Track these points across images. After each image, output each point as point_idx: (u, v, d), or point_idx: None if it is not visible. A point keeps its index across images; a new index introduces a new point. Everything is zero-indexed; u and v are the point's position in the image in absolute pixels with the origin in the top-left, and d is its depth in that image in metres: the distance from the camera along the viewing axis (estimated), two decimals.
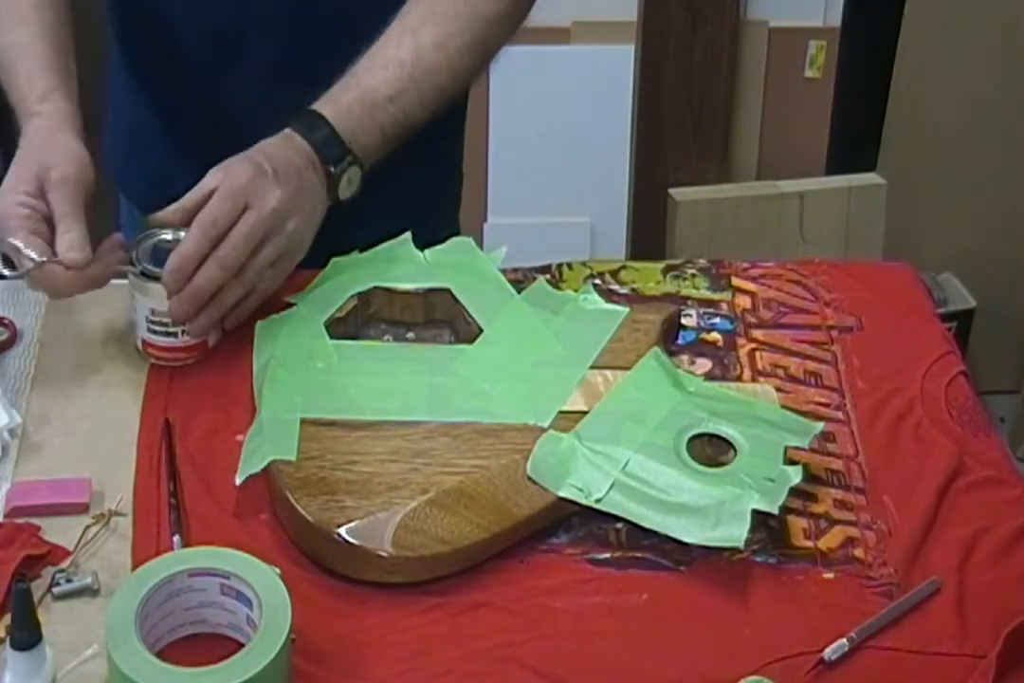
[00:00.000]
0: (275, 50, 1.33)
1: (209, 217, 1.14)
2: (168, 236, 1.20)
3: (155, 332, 1.20)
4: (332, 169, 1.22)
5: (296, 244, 1.19)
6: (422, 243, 1.30)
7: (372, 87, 1.23)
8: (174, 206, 1.18)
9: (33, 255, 1.14)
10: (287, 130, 1.22)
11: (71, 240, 1.15)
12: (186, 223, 1.16)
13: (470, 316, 1.23)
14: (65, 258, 1.14)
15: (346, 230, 1.25)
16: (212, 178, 1.17)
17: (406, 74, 1.24)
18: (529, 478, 1.09)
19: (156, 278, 1.17)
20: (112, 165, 1.51)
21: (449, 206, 1.59)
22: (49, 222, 1.17)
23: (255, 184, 1.16)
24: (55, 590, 1.02)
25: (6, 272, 1.17)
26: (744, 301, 1.33)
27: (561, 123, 2.49)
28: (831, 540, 1.10)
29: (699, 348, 1.28)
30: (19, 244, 1.14)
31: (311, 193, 1.20)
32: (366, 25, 1.25)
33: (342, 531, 1.03)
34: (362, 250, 1.29)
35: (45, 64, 1.26)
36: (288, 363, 1.18)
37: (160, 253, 1.19)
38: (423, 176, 1.44)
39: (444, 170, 1.54)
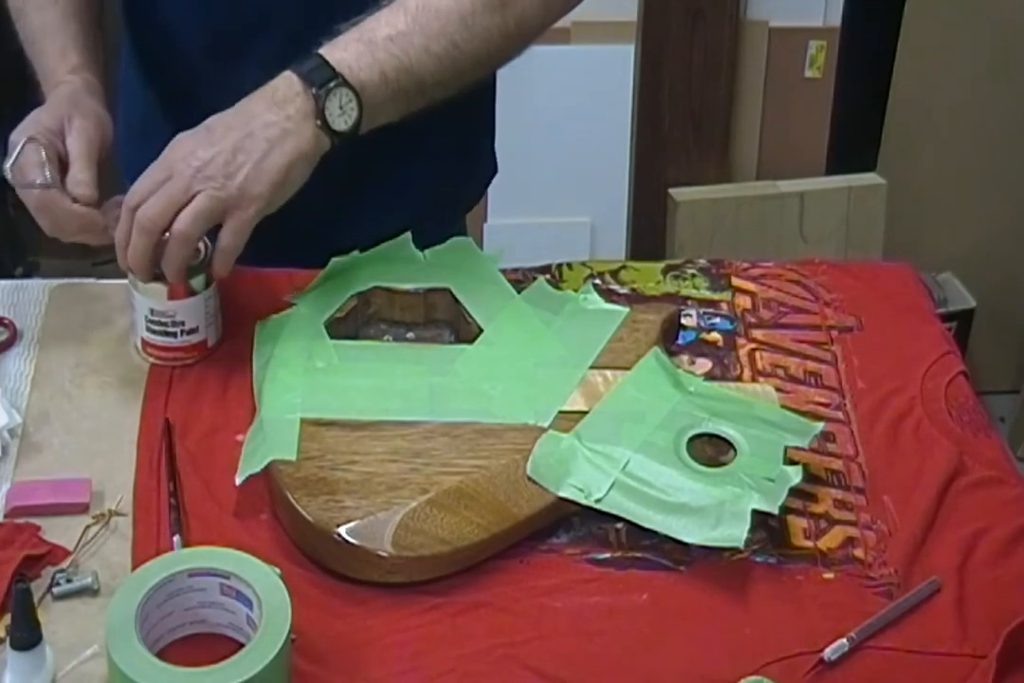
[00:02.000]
0: (273, 48, 1.33)
1: (133, 195, 1.14)
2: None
3: (155, 332, 1.20)
4: (315, 91, 1.14)
5: (235, 189, 1.12)
6: (425, 242, 1.30)
7: (370, 27, 1.18)
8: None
9: (48, 173, 1.17)
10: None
11: (82, 178, 1.18)
12: None
13: (470, 316, 1.23)
14: (74, 191, 1.17)
15: (352, 229, 1.25)
16: None
17: (409, 17, 1.18)
18: (529, 478, 1.09)
19: (156, 278, 1.17)
20: (122, 158, 1.51)
21: (463, 204, 1.58)
22: (62, 161, 1.19)
23: (178, 151, 1.14)
24: (55, 590, 1.02)
25: (10, 173, 1.19)
26: (744, 301, 1.33)
27: (561, 123, 2.49)
28: (831, 540, 1.10)
29: (699, 348, 1.28)
30: (41, 154, 1.18)
31: (266, 135, 1.13)
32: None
33: (342, 531, 1.03)
34: (362, 250, 1.29)
35: (78, 42, 1.30)
36: (288, 363, 1.18)
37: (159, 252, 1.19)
38: (443, 171, 1.43)
39: (465, 167, 1.53)
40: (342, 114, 1.15)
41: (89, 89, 1.27)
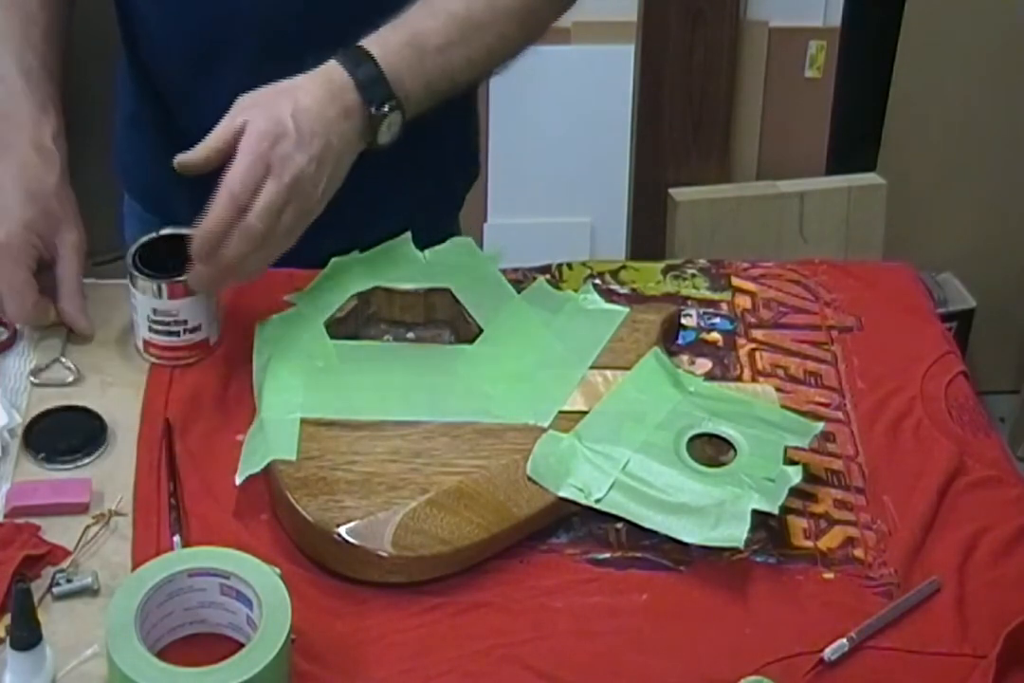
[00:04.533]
0: (248, 59, 1.32)
1: (236, 184, 1.10)
2: (168, 231, 1.21)
3: (157, 331, 1.20)
4: (373, 110, 1.15)
5: (315, 204, 1.15)
6: (422, 241, 1.30)
7: (422, 32, 1.18)
8: (200, 146, 1.14)
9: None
10: (331, 63, 1.16)
11: (78, 313, 1.24)
12: (212, 164, 1.13)
13: (470, 316, 1.23)
14: (74, 324, 1.24)
15: (348, 229, 1.25)
16: (238, 117, 1.13)
17: (456, 27, 1.19)
18: (529, 478, 1.09)
19: (158, 277, 1.17)
20: (116, 159, 1.51)
21: (453, 202, 1.58)
22: (42, 262, 1.22)
23: (278, 150, 1.11)
24: (55, 590, 1.02)
25: None
26: (744, 301, 1.33)
27: (561, 123, 2.49)
28: (831, 540, 1.10)
29: (699, 348, 1.28)
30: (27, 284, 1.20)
31: (338, 148, 1.15)
32: (343, 31, 1.21)
33: (342, 531, 1.03)
34: (362, 250, 1.29)
35: (44, 68, 1.28)
36: (288, 363, 1.18)
37: (160, 252, 1.19)
38: (433, 167, 1.43)
39: (453, 163, 1.53)
40: (388, 131, 1.18)
41: (58, 161, 1.25)
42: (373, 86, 1.15)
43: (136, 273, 1.18)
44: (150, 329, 1.20)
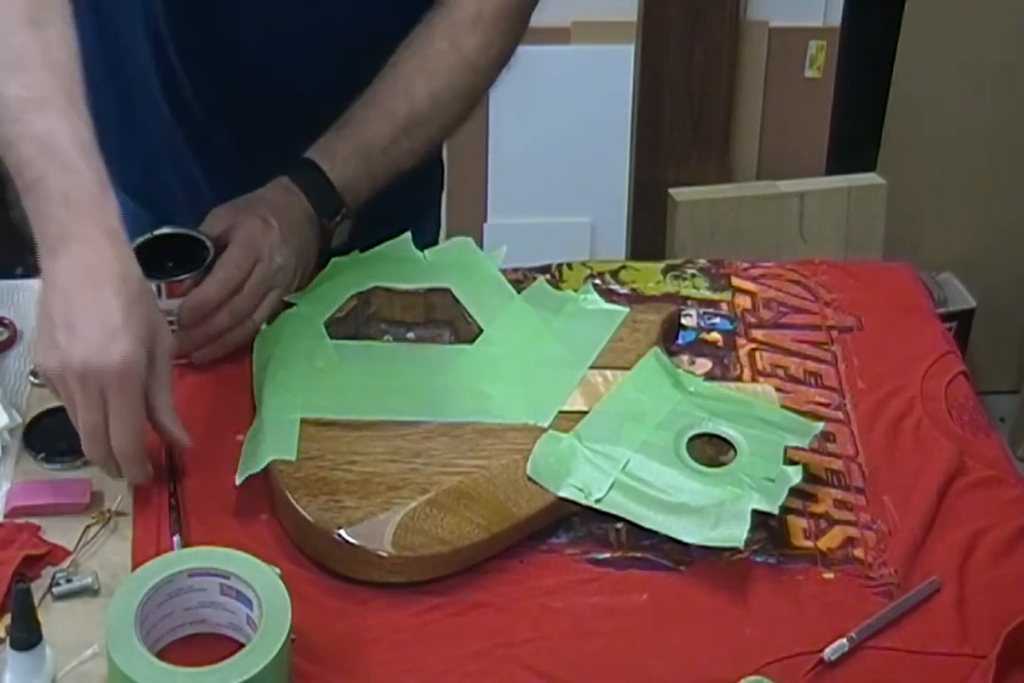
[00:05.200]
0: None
1: (233, 267, 1.18)
2: (165, 230, 1.21)
3: None
4: (326, 222, 1.25)
5: (289, 290, 1.24)
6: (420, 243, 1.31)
7: (368, 139, 1.25)
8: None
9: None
10: (286, 181, 1.25)
11: (175, 430, 1.07)
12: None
13: (470, 316, 1.23)
14: (176, 441, 1.08)
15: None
16: (219, 224, 1.22)
17: (399, 126, 1.26)
18: (529, 478, 1.09)
19: (156, 277, 1.17)
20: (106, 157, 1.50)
21: (432, 203, 1.59)
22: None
23: (266, 239, 1.20)
24: (55, 590, 1.02)
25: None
26: (744, 301, 1.33)
27: (561, 123, 2.49)
28: (831, 540, 1.10)
29: (699, 348, 1.28)
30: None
31: (308, 246, 1.25)
32: (336, 83, 1.25)
33: (342, 531, 1.03)
34: (362, 250, 1.30)
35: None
36: (288, 363, 1.18)
37: (157, 251, 1.19)
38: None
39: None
40: (339, 236, 1.27)
41: (126, 250, 1.04)
42: (326, 202, 1.25)
43: None
44: None
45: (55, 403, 1.18)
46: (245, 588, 0.97)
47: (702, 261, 1.38)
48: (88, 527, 1.07)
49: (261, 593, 0.95)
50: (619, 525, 1.09)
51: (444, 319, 1.25)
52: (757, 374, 1.25)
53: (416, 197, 1.49)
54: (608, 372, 1.19)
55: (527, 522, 1.08)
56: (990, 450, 1.19)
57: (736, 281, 1.35)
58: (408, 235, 1.30)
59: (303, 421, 1.12)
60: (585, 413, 1.15)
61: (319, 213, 1.25)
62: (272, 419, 1.12)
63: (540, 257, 1.37)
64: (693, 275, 1.36)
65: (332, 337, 1.21)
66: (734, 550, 1.07)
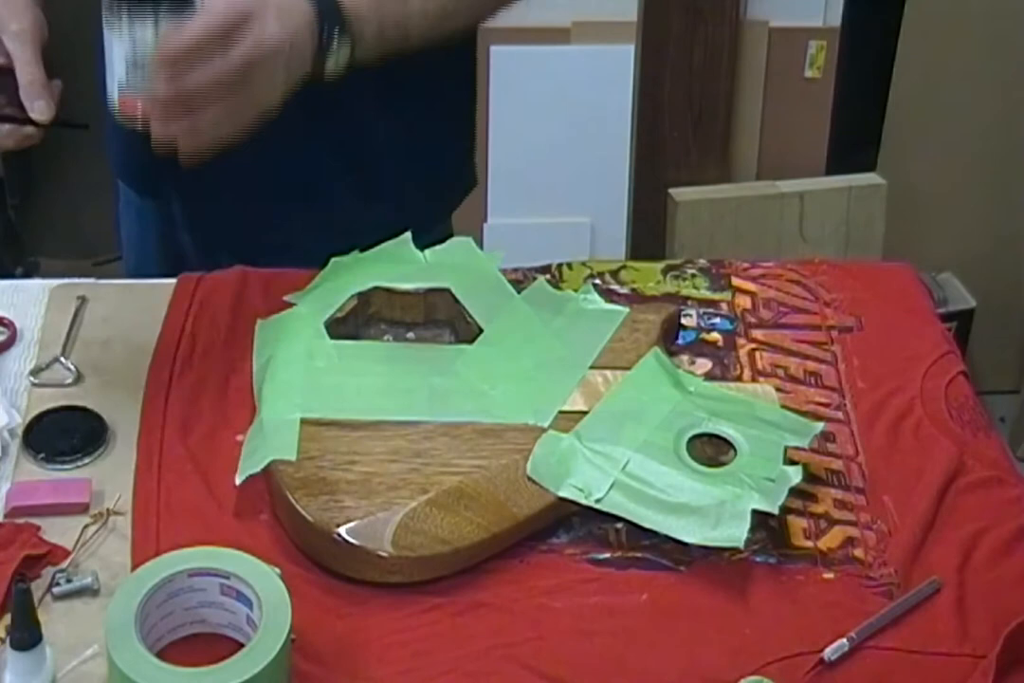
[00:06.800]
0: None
1: (219, 16, 1.06)
2: None
3: (138, 82, 1.11)
4: (323, 38, 1.13)
5: (267, 93, 1.10)
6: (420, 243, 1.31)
7: None
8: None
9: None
10: None
11: (37, 93, 1.11)
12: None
13: (470, 316, 1.23)
14: (38, 117, 1.11)
15: (346, 229, 1.25)
16: None
17: None
18: (529, 478, 1.09)
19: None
20: (109, 151, 1.50)
21: (446, 210, 1.58)
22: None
23: (260, 9, 1.08)
24: (55, 590, 1.02)
25: None
26: (744, 301, 1.33)
27: (561, 123, 2.49)
28: (831, 540, 1.10)
29: (699, 348, 1.28)
30: None
31: (302, 50, 1.12)
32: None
33: (342, 531, 1.03)
34: (362, 250, 1.29)
35: None
36: (288, 363, 1.18)
37: None
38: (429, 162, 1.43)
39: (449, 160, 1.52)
40: (335, 66, 1.15)
41: None
42: (329, 16, 1.13)
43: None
44: (129, 82, 1.12)
45: (55, 403, 1.18)
46: (245, 588, 0.97)
47: (702, 261, 1.38)
48: (87, 527, 1.07)
49: (261, 593, 0.95)
50: (619, 525, 1.09)
51: (444, 319, 1.25)
52: (757, 374, 1.25)
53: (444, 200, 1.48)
54: (608, 372, 1.19)
55: (527, 522, 1.07)
56: (990, 450, 1.19)
57: (736, 281, 1.35)
58: (408, 235, 1.30)
59: (303, 421, 1.12)
60: (585, 413, 1.15)
61: (319, 26, 1.12)
62: (272, 419, 1.12)
63: (540, 257, 1.37)
64: (693, 275, 1.36)
65: (332, 337, 1.21)
66: (734, 550, 1.07)
